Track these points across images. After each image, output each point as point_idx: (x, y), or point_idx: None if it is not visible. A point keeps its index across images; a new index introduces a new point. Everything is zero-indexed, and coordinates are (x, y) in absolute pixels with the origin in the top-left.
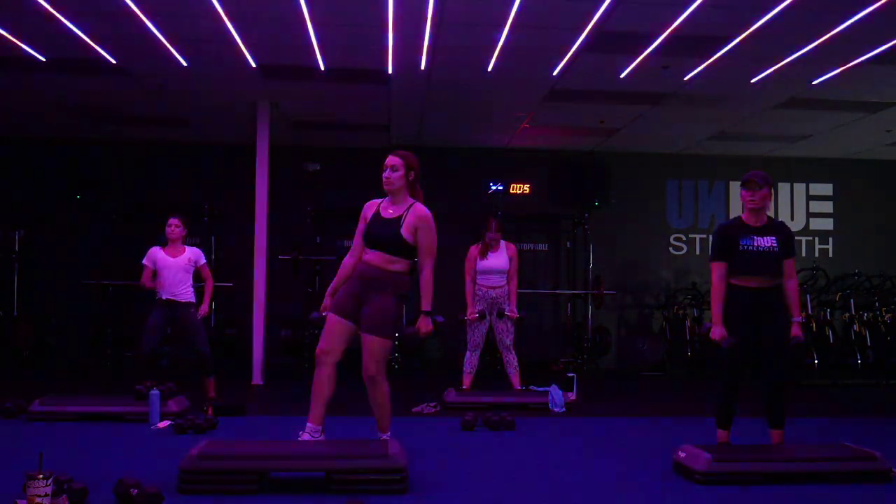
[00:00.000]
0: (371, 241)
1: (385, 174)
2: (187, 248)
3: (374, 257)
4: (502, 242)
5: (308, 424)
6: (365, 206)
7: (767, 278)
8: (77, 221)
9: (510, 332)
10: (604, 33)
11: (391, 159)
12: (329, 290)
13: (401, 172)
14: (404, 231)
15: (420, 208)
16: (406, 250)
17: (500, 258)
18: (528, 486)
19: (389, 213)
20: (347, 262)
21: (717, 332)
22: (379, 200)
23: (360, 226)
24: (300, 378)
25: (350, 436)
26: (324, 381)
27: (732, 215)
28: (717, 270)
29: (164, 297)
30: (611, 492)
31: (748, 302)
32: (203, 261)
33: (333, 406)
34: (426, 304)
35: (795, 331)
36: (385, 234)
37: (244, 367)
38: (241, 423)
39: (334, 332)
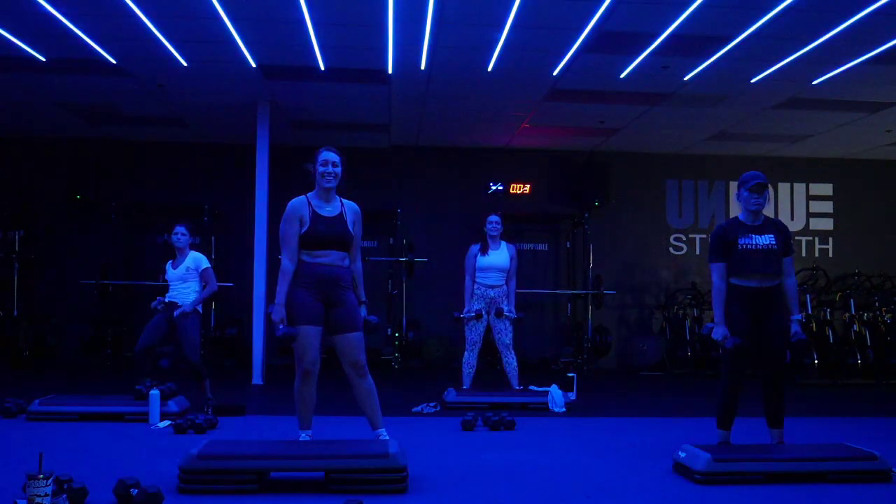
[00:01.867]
0: (323, 241)
1: (328, 169)
2: (189, 256)
3: (328, 257)
4: (503, 242)
5: (303, 431)
6: (293, 207)
7: (767, 277)
8: (77, 221)
9: (509, 331)
10: (604, 33)
11: (332, 156)
12: (284, 300)
13: (340, 169)
14: (350, 227)
15: (352, 203)
16: (350, 245)
17: (500, 256)
18: (528, 486)
19: (328, 210)
20: (289, 267)
21: (720, 332)
22: (304, 199)
23: (295, 227)
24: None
25: (350, 436)
26: (312, 395)
27: (733, 215)
28: (717, 271)
29: (166, 300)
30: (611, 492)
31: (749, 301)
32: (204, 265)
33: (333, 406)
34: (363, 294)
35: (795, 328)
36: (336, 233)
37: (244, 367)
38: (241, 423)
39: (315, 343)
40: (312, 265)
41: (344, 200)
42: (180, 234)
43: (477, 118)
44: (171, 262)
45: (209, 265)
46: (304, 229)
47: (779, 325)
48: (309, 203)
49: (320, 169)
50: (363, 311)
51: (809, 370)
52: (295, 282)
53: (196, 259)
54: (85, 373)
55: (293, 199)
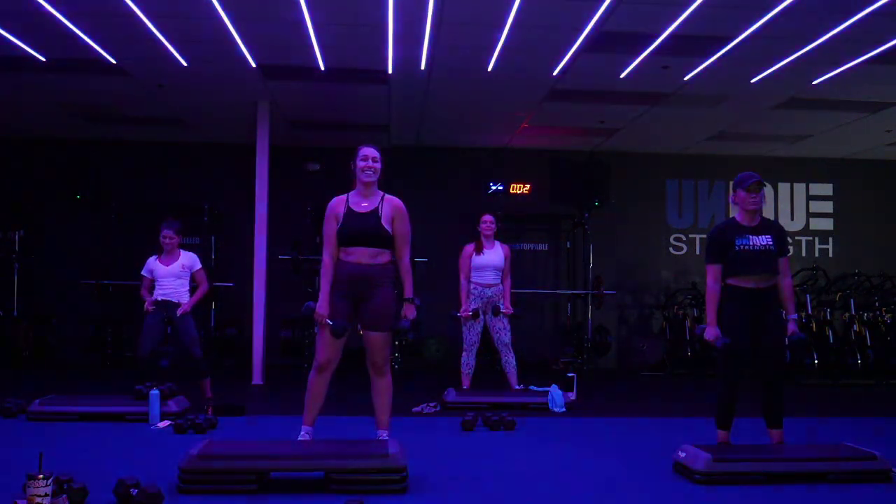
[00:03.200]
0: (352, 237)
1: (368, 164)
2: (182, 254)
3: (359, 255)
4: (497, 242)
5: (305, 427)
6: (330, 206)
7: (764, 278)
8: (77, 221)
9: (507, 329)
10: (604, 33)
11: (372, 151)
12: (328, 296)
13: (380, 164)
14: (385, 223)
15: (393, 199)
16: (388, 241)
17: (495, 255)
18: (528, 486)
19: (364, 206)
20: (328, 261)
21: (711, 332)
22: (344, 197)
23: (332, 225)
24: (300, 378)
25: (350, 436)
26: (323, 389)
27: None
28: (713, 272)
29: (158, 298)
30: (611, 492)
31: (745, 302)
32: (198, 266)
33: (333, 406)
34: (409, 291)
35: (792, 328)
36: (366, 228)
37: (244, 367)
38: (241, 423)
39: (333, 342)
40: (343, 263)
41: (387, 195)
42: (167, 237)
43: (477, 118)
44: (156, 257)
45: (201, 266)
46: (338, 226)
47: (776, 326)
48: (346, 200)
49: (360, 164)
50: (412, 310)
51: (809, 370)
52: (332, 279)
53: (191, 258)
54: (85, 373)
55: (333, 199)
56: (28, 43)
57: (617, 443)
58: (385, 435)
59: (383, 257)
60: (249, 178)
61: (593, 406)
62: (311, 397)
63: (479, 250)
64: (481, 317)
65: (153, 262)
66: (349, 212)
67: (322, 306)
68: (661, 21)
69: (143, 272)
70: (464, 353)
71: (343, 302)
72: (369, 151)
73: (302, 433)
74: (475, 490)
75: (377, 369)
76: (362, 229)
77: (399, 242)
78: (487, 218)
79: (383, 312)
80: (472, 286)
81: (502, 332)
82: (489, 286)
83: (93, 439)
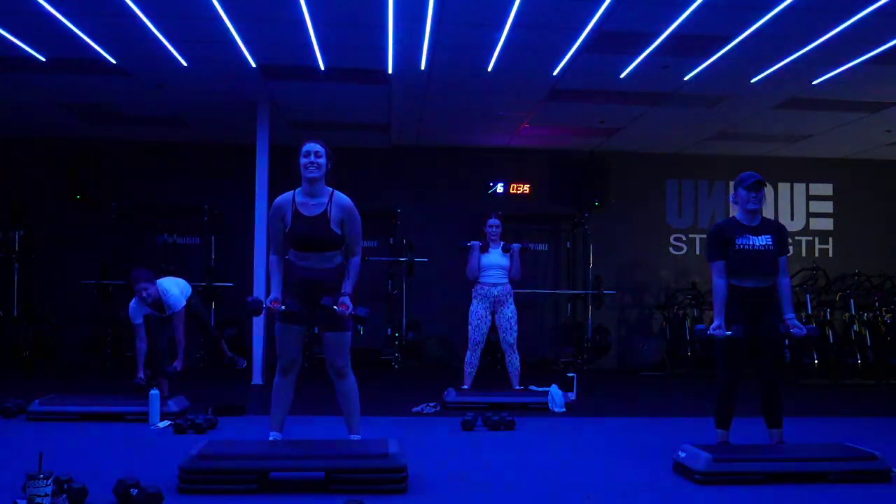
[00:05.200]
0: (302, 243)
1: (311, 160)
2: (163, 294)
3: (311, 260)
4: (502, 243)
5: (273, 433)
6: (276, 206)
7: (763, 278)
8: (77, 221)
9: (514, 330)
10: (604, 33)
11: (314, 146)
12: (280, 285)
13: (324, 159)
14: (334, 227)
15: (341, 197)
16: (339, 244)
17: (501, 255)
18: (527, 486)
19: (311, 209)
20: (273, 259)
21: (717, 325)
22: (290, 195)
23: (278, 226)
24: (300, 378)
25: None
26: (290, 391)
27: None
28: (717, 269)
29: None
30: (611, 492)
31: (745, 301)
32: (180, 306)
33: (332, 406)
34: (348, 288)
35: (794, 326)
36: (315, 235)
37: (244, 366)
38: (241, 423)
39: (295, 341)
40: (296, 267)
41: (336, 195)
42: (144, 290)
43: (477, 118)
44: (136, 302)
45: (184, 306)
46: (286, 229)
47: (773, 326)
48: (293, 200)
49: (303, 160)
50: (346, 301)
51: (809, 370)
52: (284, 280)
53: (174, 299)
54: (85, 373)
55: (280, 196)
56: (28, 43)
57: (617, 443)
58: (357, 438)
59: (337, 259)
60: (249, 178)
61: (593, 406)
62: (277, 401)
63: (484, 249)
64: (488, 318)
65: (136, 308)
66: (297, 214)
67: (274, 294)
68: (661, 21)
69: (133, 321)
70: (468, 352)
71: (300, 305)
72: (311, 146)
73: (271, 436)
74: (475, 490)
75: (337, 372)
76: (311, 236)
77: (350, 242)
78: (493, 222)
79: (336, 312)
80: (478, 286)
81: (508, 332)
82: (495, 285)
83: (93, 439)
